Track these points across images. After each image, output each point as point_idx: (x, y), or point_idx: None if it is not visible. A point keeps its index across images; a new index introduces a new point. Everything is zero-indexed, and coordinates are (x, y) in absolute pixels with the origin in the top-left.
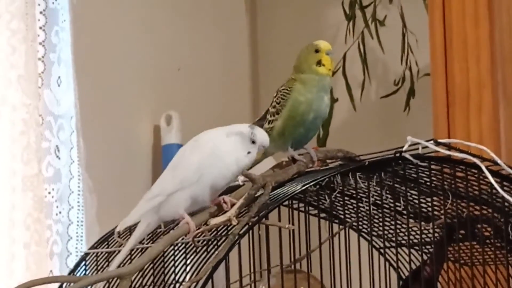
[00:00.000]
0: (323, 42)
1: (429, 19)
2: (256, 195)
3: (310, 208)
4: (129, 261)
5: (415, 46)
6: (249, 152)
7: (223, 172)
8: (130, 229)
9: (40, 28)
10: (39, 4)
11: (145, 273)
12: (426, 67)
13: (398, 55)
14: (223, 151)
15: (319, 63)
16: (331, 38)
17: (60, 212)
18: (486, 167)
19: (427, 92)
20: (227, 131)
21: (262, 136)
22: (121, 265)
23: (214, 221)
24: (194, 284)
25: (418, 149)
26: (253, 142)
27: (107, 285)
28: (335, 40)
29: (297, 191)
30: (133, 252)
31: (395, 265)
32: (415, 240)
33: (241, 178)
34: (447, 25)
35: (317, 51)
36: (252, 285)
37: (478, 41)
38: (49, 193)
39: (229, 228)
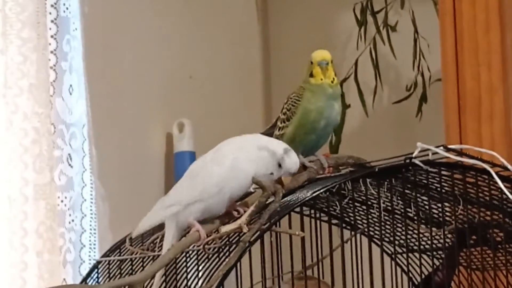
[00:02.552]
0: (316, 53)
1: (440, 25)
2: (267, 202)
3: (322, 214)
4: (141, 268)
5: (427, 52)
6: (271, 173)
7: (242, 184)
8: (142, 237)
9: (52, 36)
10: (50, 13)
11: None
12: (438, 72)
13: (410, 61)
14: (244, 163)
15: (312, 74)
16: (343, 44)
17: (73, 220)
18: (497, 173)
19: (440, 97)
20: (260, 144)
21: (291, 164)
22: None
23: (224, 228)
24: None
25: (428, 155)
26: (280, 166)
27: None
28: (347, 46)
29: (307, 198)
30: (144, 260)
31: (406, 270)
32: (427, 246)
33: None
34: (458, 31)
35: (312, 62)
36: None
37: (489, 46)
38: (62, 201)
39: (240, 236)
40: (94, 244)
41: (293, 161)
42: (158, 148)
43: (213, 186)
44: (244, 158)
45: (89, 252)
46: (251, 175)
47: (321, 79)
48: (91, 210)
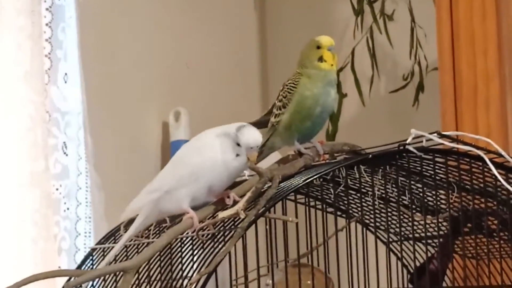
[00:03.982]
0: (324, 38)
1: (436, 14)
2: (263, 189)
3: (316, 202)
4: (136, 254)
5: (423, 41)
6: (238, 155)
7: (217, 176)
8: None
9: (46, 24)
10: (45, 1)
11: (151, 266)
12: (435, 61)
13: (407, 50)
14: (215, 155)
15: (320, 59)
16: (340, 33)
17: (68, 209)
18: (491, 160)
19: (436, 86)
20: (218, 132)
21: (248, 137)
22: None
23: (222, 214)
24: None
25: (423, 141)
26: (238, 144)
27: (113, 278)
28: (344, 35)
29: (300, 184)
30: (139, 247)
31: (400, 258)
32: (421, 234)
33: (247, 172)
34: (455, 19)
35: (318, 47)
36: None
37: (486, 34)
38: (57, 189)
39: (235, 222)
40: (89, 232)
41: (248, 135)
42: (154, 136)
43: (189, 175)
44: (215, 151)
45: (84, 240)
46: (222, 168)
47: (332, 65)
48: (86, 198)
